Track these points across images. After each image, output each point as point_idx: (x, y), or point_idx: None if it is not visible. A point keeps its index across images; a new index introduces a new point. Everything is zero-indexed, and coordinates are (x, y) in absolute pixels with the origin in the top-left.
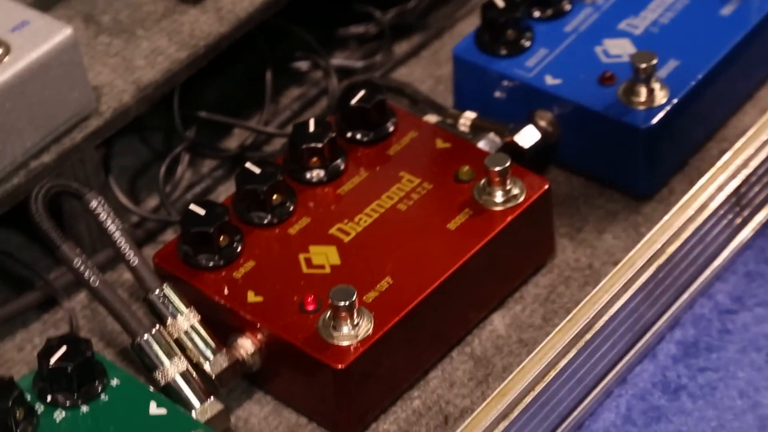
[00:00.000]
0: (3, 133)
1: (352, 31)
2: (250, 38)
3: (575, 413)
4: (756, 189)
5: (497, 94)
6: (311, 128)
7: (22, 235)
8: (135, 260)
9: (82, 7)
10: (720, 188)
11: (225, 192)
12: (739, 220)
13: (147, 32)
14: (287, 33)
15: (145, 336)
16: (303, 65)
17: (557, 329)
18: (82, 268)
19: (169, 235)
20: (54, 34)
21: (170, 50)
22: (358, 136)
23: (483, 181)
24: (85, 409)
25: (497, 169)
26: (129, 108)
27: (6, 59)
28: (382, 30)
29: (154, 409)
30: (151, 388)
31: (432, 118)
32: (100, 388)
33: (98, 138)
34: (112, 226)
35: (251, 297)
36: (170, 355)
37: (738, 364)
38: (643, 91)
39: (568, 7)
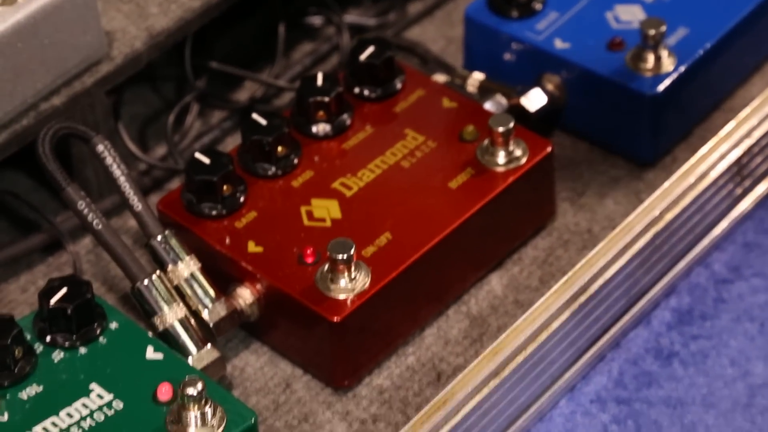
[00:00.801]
0: (14, 73)
1: None
2: None
3: (567, 375)
4: (758, 160)
5: (507, 56)
6: (319, 82)
7: (31, 178)
8: (139, 205)
9: None
10: (722, 157)
11: (233, 143)
12: (739, 191)
13: None
14: None
15: (145, 281)
16: (316, 20)
17: (552, 291)
18: (85, 210)
19: (176, 184)
20: None
21: None
22: (366, 92)
23: (486, 141)
24: (83, 350)
25: (500, 129)
26: (140, 54)
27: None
28: None
29: (151, 353)
30: (150, 334)
31: (441, 78)
32: (98, 331)
33: (109, 83)
34: (118, 171)
35: (252, 247)
36: (169, 302)
37: (731, 333)
38: (650, 58)
39: None
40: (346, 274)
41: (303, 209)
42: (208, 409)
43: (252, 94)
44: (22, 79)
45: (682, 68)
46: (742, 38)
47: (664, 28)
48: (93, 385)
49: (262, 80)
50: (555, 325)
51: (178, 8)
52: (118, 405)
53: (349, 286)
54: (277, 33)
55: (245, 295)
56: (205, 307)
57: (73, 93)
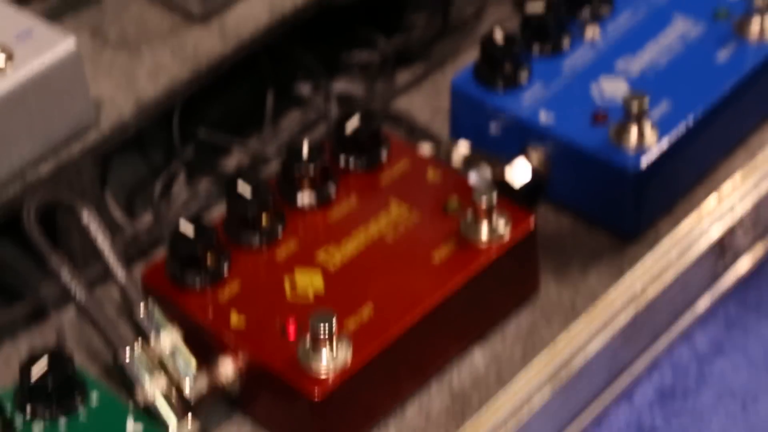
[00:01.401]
0: (0, 142)
1: (356, 57)
2: (253, 59)
3: None
4: (741, 236)
5: (492, 127)
6: (304, 152)
7: (18, 246)
8: (122, 277)
9: (91, 19)
10: (704, 233)
11: (220, 211)
12: (722, 267)
13: (151, 48)
14: (291, 56)
15: (127, 352)
16: (305, 89)
17: (533, 365)
18: (68, 281)
19: (162, 252)
20: (57, 45)
21: (173, 68)
22: (351, 163)
23: (469, 214)
24: (63, 423)
25: (484, 202)
26: (128, 123)
27: (8, 67)
28: (386, 58)
29: (131, 426)
30: (131, 405)
31: (426, 148)
32: (79, 403)
33: (96, 152)
34: (102, 242)
35: (234, 319)
36: (150, 374)
37: (713, 411)
38: (633, 132)
39: (567, 44)
40: (327, 347)
41: (286, 280)
42: None
43: (239, 162)
44: (8, 148)
45: (666, 143)
46: (726, 113)
47: (647, 103)
48: None
49: (248, 149)
50: (536, 400)
51: (166, 77)
52: None
53: (331, 361)
54: (266, 101)
55: (227, 368)
56: (187, 379)
57: (60, 162)
